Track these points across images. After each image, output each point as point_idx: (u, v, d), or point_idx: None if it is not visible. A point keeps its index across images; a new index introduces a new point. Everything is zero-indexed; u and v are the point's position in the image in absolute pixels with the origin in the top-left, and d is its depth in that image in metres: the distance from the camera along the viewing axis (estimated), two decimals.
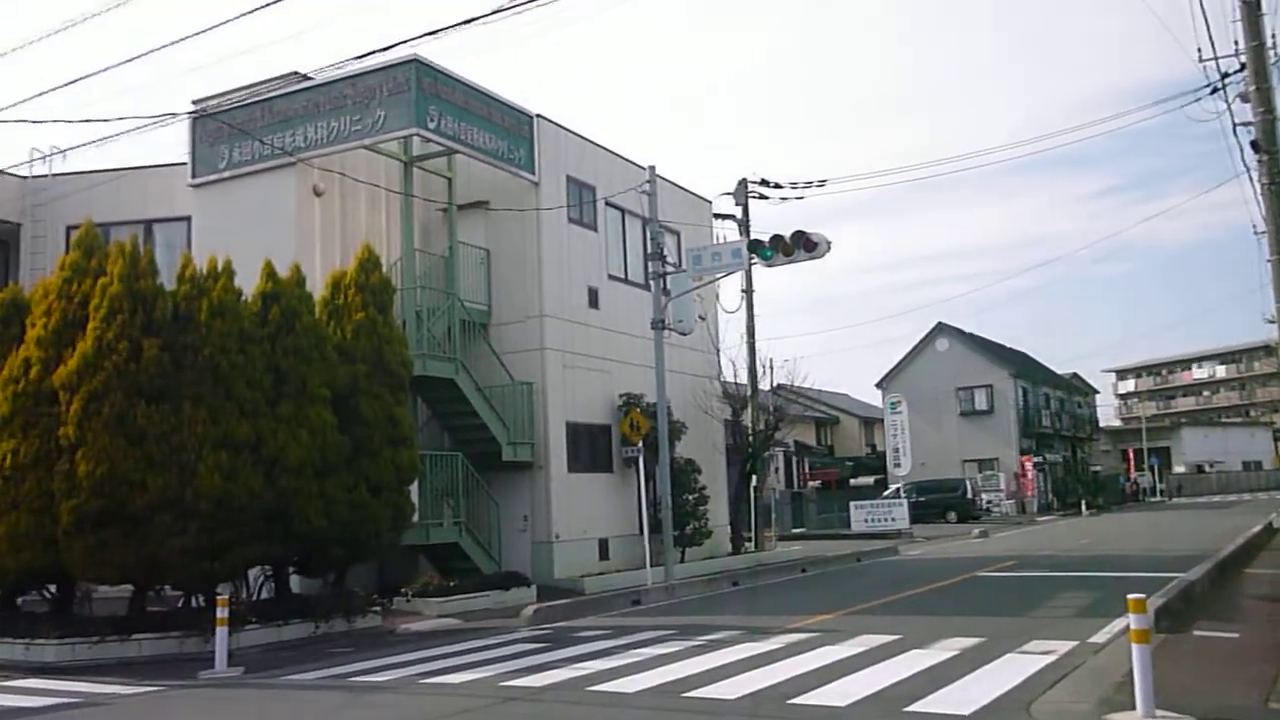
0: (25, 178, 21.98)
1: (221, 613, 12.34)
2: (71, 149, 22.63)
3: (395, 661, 12.24)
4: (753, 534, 28.38)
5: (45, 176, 21.91)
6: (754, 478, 28.23)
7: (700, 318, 24.32)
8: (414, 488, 16.95)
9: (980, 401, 57.74)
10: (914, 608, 15.62)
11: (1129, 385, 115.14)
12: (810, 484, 53.17)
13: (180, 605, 15.03)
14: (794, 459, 52.81)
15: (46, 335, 14.17)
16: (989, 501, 50.73)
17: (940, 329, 60.14)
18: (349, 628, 15.31)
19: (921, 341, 60.29)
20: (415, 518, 17.13)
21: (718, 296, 27.81)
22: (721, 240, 26.16)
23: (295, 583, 16.34)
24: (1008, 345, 65.26)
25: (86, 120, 13.71)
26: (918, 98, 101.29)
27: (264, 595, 15.98)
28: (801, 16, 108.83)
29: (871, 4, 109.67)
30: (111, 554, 13.38)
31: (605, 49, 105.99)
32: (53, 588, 15.05)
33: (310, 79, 18.56)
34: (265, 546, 14.52)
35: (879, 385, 59.26)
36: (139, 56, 12.32)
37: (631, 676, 10.25)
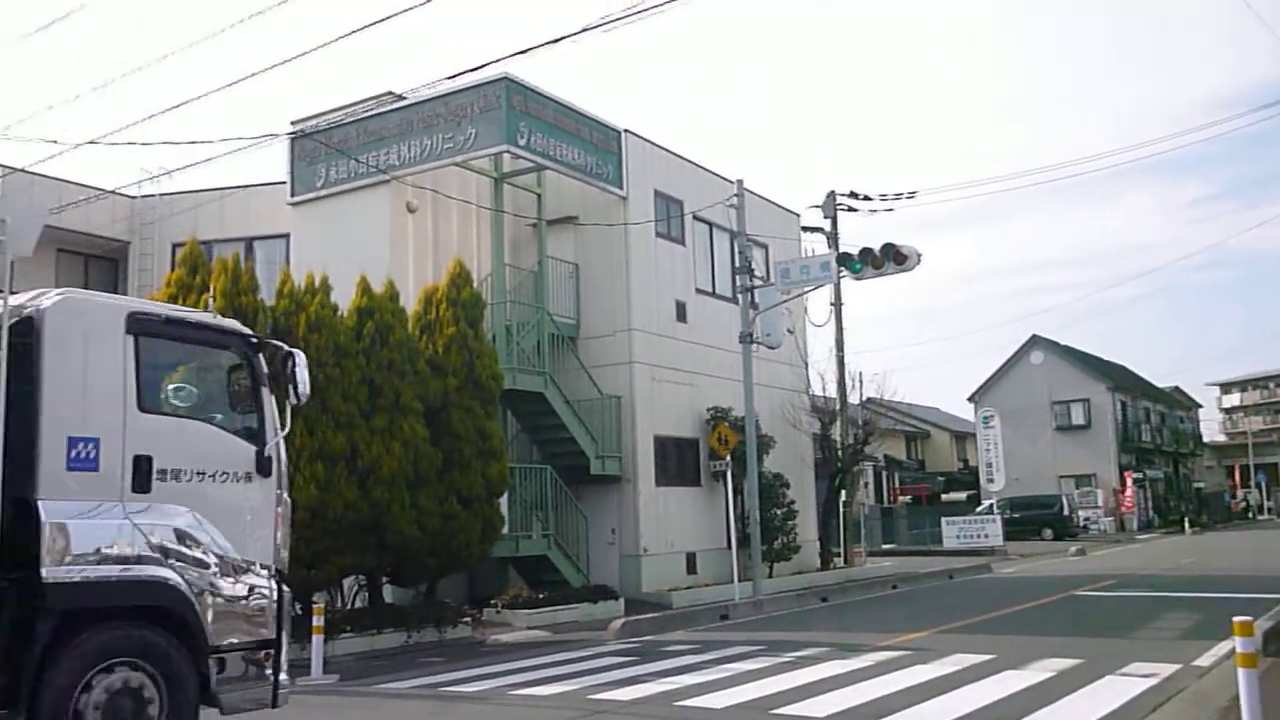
0: (134, 197, 22.82)
1: (318, 620, 12.62)
2: (178, 170, 23.43)
3: (486, 672, 12.38)
4: (842, 549, 28.09)
5: (153, 196, 22.72)
6: (843, 492, 27.94)
7: (788, 331, 24.18)
8: (504, 500, 17.15)
9: (1077, 416, 56.36)
10: (1008, 627, 15.29)
11: (1234, 399, 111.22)
12: (900, 499, 52.43)
13: None
14: (884, 473, 52.15)
15: None
16: (1086, 519, 49.42)
17: (1035, 341, 58.89)
18: (440, 638, 15.52)
19: (1016, 354, 59.10)
20: (505, 530, 17.33)
21: (806, 310, 27.64)
22: (810, 253, 25.98)
23: (388, 592, 16.63)
24: (1105, 358, 63.61)
25: (192, 142, 14.31)
26: (1009, 105, 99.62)
27: (358, 604, 16.29)
28: (890, 23, 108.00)
29: (957, 10, 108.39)
30: None
31: (691, 62, 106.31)
32: None
33: (404, 98, 18.94)
34: (359, 556, 14.81)
35: (971, 399, 58.22)
36: (241, 80, 12.70)
37: (720, 692, 10.22)
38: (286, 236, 21.22)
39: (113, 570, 6.62)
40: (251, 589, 7.43)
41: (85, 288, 23.18)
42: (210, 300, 9.68)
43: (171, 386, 7.51)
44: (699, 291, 23.13)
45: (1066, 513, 46.43)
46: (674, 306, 22.24)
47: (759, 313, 20.93)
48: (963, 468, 60.96)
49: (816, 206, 30.75)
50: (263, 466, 7.68)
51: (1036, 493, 49.04)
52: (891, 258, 18.48)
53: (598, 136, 20.76)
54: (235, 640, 7.22)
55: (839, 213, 30.88)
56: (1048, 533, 44.13)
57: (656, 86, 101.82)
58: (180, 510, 7.05)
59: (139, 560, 6.74)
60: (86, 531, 6.56)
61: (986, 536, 35.95)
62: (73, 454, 6.62)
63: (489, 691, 10.99)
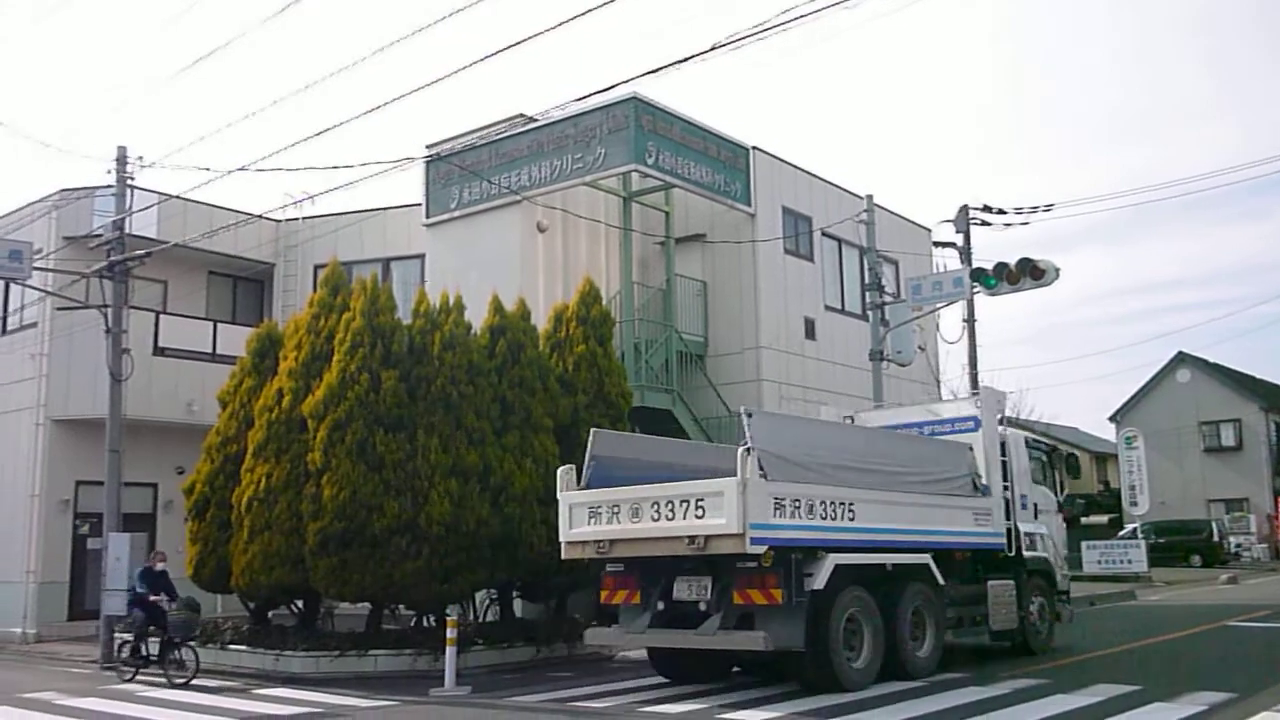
0: (279, 221, 23.76)
1: (451, 633, 12.87)
2: (320, 194, 24.27)
3: (614, 688, 12.44)
4: None
5: (296, 220, 23.63)
6: None
7: (920, 348, 23.70)
8: None
9: (1227, 437, 53.72)
10: (1155, 656, 14.64)
11: None
12: None
13: (413, 624, 15.79)
14: None
15: (297, 367, 15.24)
16: (1238, 545, 47.01)
17: (1181, 359, 56.43)
18: (569, 653, 15.65)
19: (1160, 372, 56.71)
20: None
21: (938, 326, 27.02)
22: (942, 269, 25.46)
23: (518, 607, 16.87)
24: (1258, 376, 60.56)
25: (334, 166, 14.83)
26: (1151, 116, 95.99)
27: (489, 618, 16.56)
28: (1017, 32, 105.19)
29: (1089, 21, 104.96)
30: (352, 573, 14.20)
31: (816, 76, 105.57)
32: (299, 603, 16.07)
33: (535, 120, 19.29)
34: (491, 571, 15.06)
35: (1113, 419, 56.08)
36: (380, 106, 13.10)
37: (859, 714, 10.04)
38: (421, 257, 21.81)
39: (1036, 553, 15.02)
40: (1060, 567, 16.07)
41: (233, 308, 24.35)
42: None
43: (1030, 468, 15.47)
44: (828, 308, 22.90)
45: (1216, 539, 44.27)
46: (803, 324, 22.06)
47: (889, 330, 20.61)
48: (1104, 490, 58.67)
49: (948, 221, 30.02)
50: (1060, 509, 16.45)
51: (1184, 517, 46.93)
52: (1028, 273, 17.98)
53: (725, 154, 20.77)
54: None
55: (971, 227, 30.16)
56: (1196, 559, 42.14)
57: (783, 102, 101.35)
58: (1041, 526, 15.38)
59: (1032, 545, 14.91)
60: (1032, 534, 14.98)
61: (1130, 562, 34.49)
62: (1022, 501, 14.76)
63: (618, 708, 11.03)
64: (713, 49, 11.35)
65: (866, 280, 21.08)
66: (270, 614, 16.40)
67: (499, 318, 16.23)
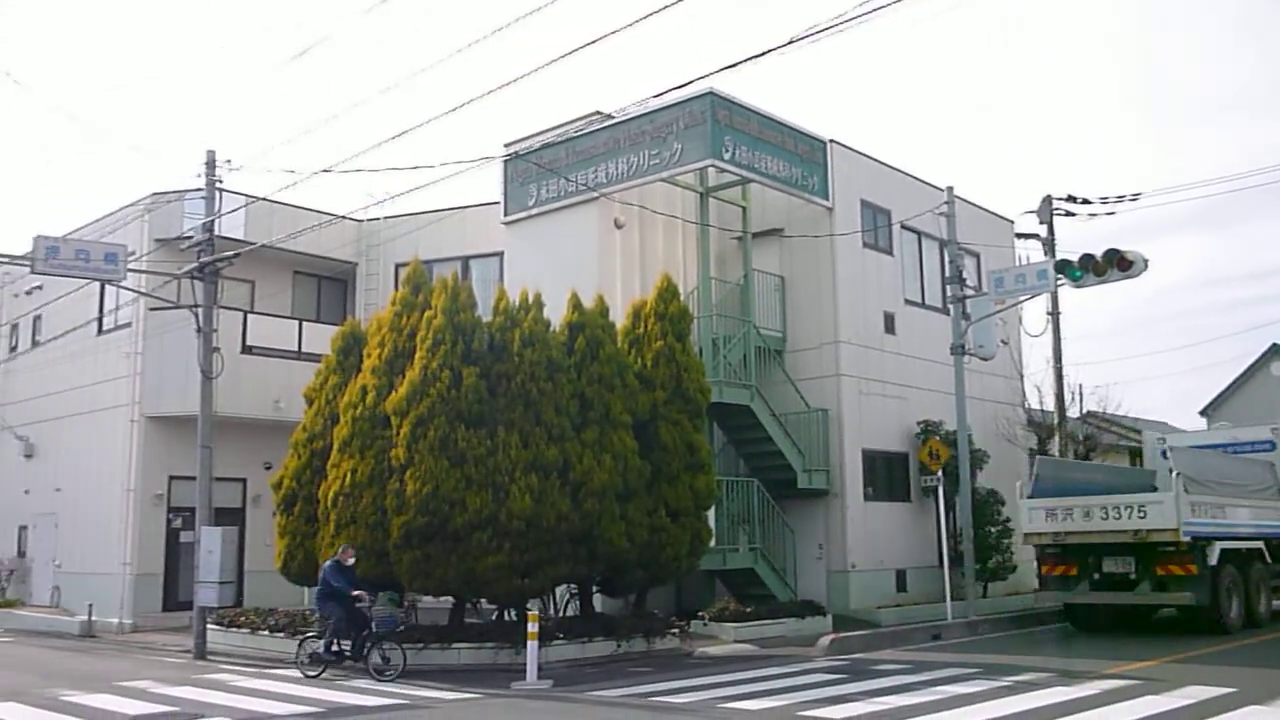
0: (361, 221, 24.18)
1: (532, 628, 13.01)
2: (401, 194, 24.66)
3: (694, 684, 12.45)
4: None
5: (377, 220, 24.03)
6: None
7: (1002, 342, 23.32)
8: (711, 513, 17.21)
9: None
10: (1250, 658, 14.24)
11: None
12: None
13: (494, 618, 15.98)
14: None
15: (380, 364, 15.51)
16: None
17: (1276, 350, 54.70)
18: (648, 648, 15.70)
19: (1254, 365, 54.99)
20: (712, 543, 17.37)
21: (1020, 320, 26.59)
22: (1025, 261, 25.01)
23: (598, 602, 16.98)
24: None
25: (414, 167, 15.06)
26: (1248, 97, 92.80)
27: (569, 613, 16.68)
28: (1104, 20, 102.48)
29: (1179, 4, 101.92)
30: (434, 567, 14.41)
31: (895, 66, 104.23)
32: None
33: (611, 117, 19.33)
34: (571, 566, 15.17)
35: (1204, 413, 54.51)
36: (460, 107, 13.26)
37: (933, 715, 9.95)
38: (500, 254, 22.03)
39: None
40: None
41: (318, 307, 24.85)
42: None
43: None
44: (908, 302, 22.63)
45: None
46: (882, 318, 21.83)
47: (971, 323, 20.31)
48: None
49: (1031, 212, 29.48)
50: None
51: None
52: (1115, 264, 17.59)
53: (803, 148, 20.63)
54: None
55: (1055, 218, 29.55)
56: None
57: (861, 94, 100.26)
58: None
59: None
60: None
61: None
62: None
63: (698, 704, 11.04)
64: (791, 42, 11.28)
65: (947, 273, 20.81)
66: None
67: (577, 314, 16.33)
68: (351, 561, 14.31)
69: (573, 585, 16.56)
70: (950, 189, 21.03)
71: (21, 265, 16.30)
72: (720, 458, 19.81)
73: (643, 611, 16.57)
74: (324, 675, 13.77)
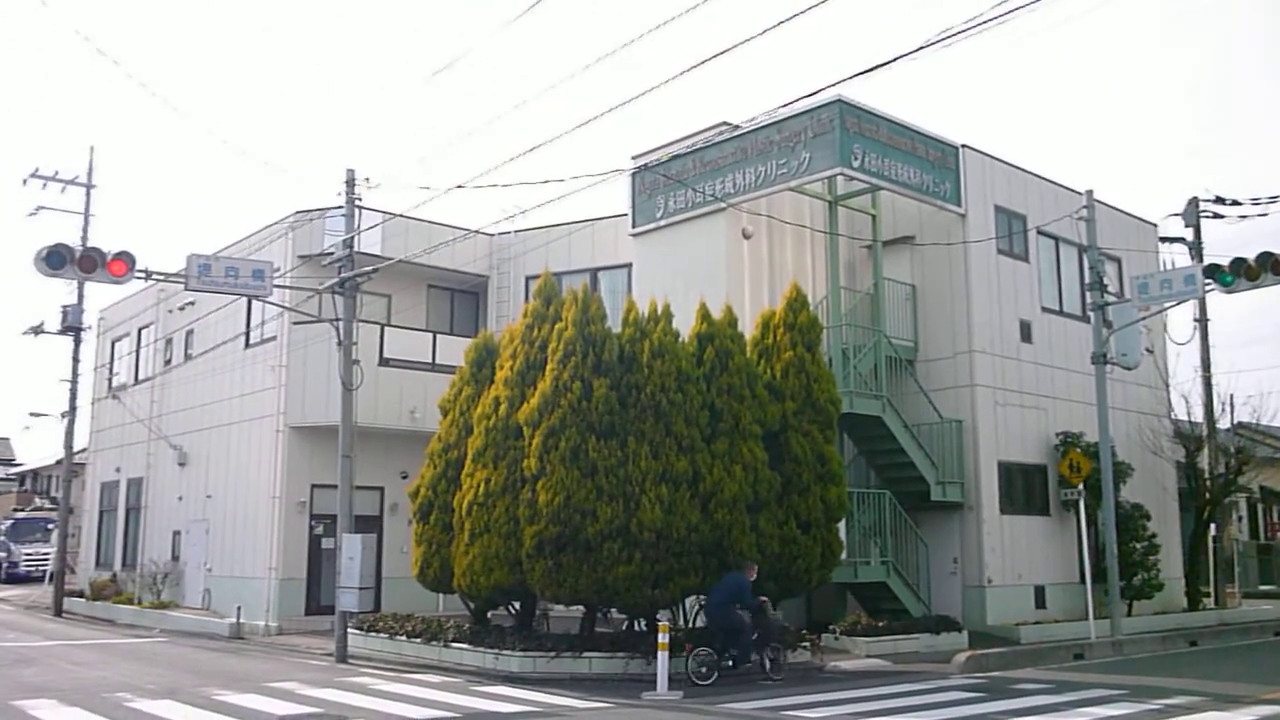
0: (492, 235, 24.67)
1: (663, 638, 13.03)
2: (532, 208, 25.04)
3: (826, 699, 12.31)
4: (1212, 589, 25.61)
5: (508, 233, 24.48)
6: (1212, 526, 25.50)
7: (1147, 350, 22.46)
8: (842, 525, 17.00)
9: None
10: None
11: None
12: None
13: (625, 628, 16.05)
14: (1260, 506, 47.07)
15: (512, 376, 15.77)
16: None
17: None
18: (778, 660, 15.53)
19: None
20: (843, 555, 17.15)
21: (1165, 327, 25.56)
22: (1169, 266, 24.04)
23: None
24: None
25: (545, 181, 15.27)
26: None
27: (698, 624, 16.65)
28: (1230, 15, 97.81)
29: None
30: (566, 576, 14.57)
31: (1029, 69, 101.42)
32: (516, 605, 16.61)
33: (738, 127, 19.31)
34: (701, 577, 15.14)
35: None
36: (588, 122, 13.41)
37: None
38: (628, 266, 22.19)
39: None
40: None
41: (451, 319, 25.44)
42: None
43: None
44: (1045, 310, 21.97)
45: None
46: (1018, 326, 21.25)
47: (1113, 331, 19.63)
48: None
49: (1176, 215, 28.33)
50: None
51: None
52: (1269, 268, 16.73)
53: (934, 153, 20.25)
54: None
55: (1202, 220, 28.32)
56: None
57: (994, 97, 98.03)
58: None
59: None
60: None
61: None
62: None
63: (830, 718, 10.90)
64: (923, 47, 11.08)
65: (1087, 280, 20.15)
66: (489, 614, 17.00)
67: (706, 325, 16.33)
68: (754, 577, 14.90)
69: (702, 596, 16.53)
70: (1090, 192, 20.39)
71: (176, 282, 17.07)
72: (851, 469, 19.55)
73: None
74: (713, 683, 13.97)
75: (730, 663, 14.19)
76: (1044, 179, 22.55)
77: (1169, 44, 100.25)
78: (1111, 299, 20.10)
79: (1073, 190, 21.98)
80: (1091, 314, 20.00)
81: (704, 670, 14.01)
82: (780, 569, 15.65)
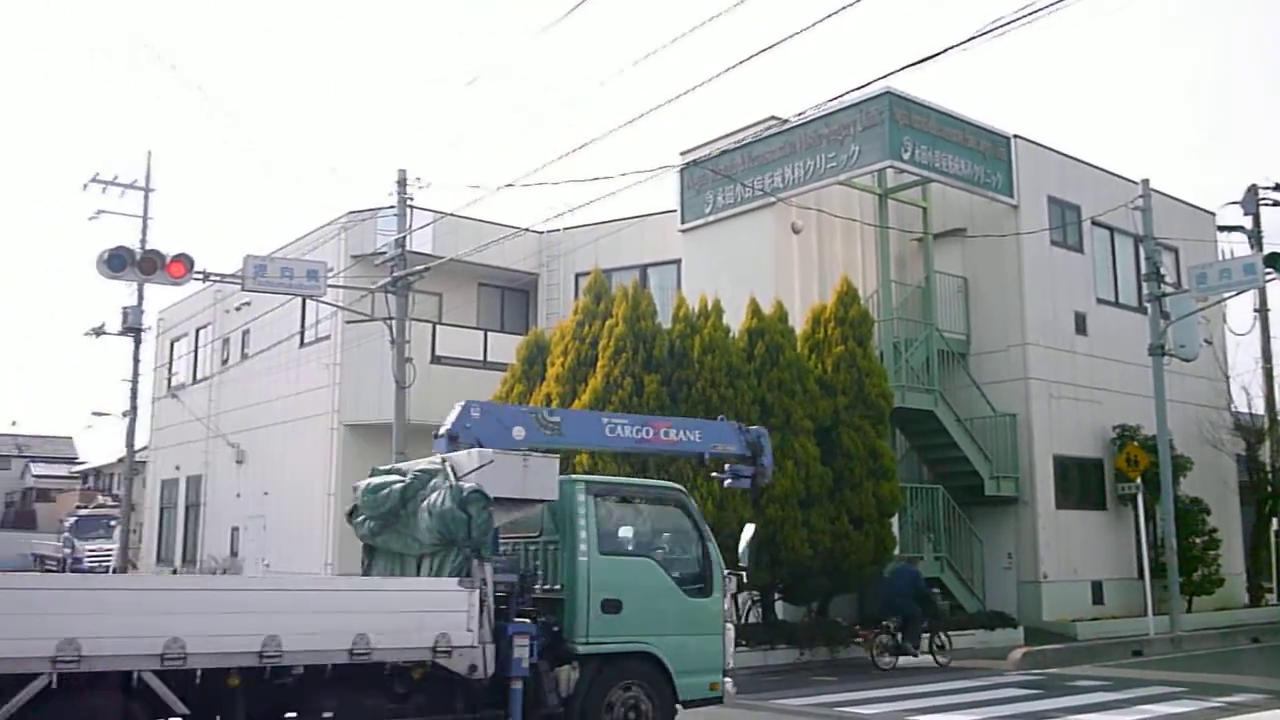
0: (541, 233, 24.77)
1: None
2: (581, 205, 25.09)
3: (879, 695, 12.26)
4: (1274, 584, 25.13)
5: (558, 231, 24.56)
6: (1274, 520, 25.01)
7: (1206, 342, 22.09)
8: (894, 520, 16.91)
9: None
10: None
11: None
12: None
13: None
14: None
15: (564, 372, 15.86)
16: None
17: None
18: (831, 657, 15.55)
19: None
20: (896, 550, 17.06)
21: (1225, 318, 25.11)
22: (1229, 255, 23.59)
23: (780, 609, 16.87)
24: None
25: (594, 178, 15.43)
26: None
27: (751, 620, 16.64)
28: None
29: None
30: None
31: (1082, 55, 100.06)
32: None
33: (786, 122, 19.25)
34: (753, 573, 15.10)
35: None
36: (637, 119, 13.44)
37: None
38: (677, 262, 22.19)
39: None
40: None
41: (501, 317, 25.57)
42: None
43: None
44: (1100, 301, 21.68)
45: None
46: (1072, 318, 20.98)
47: (1170, 322, 19.33)
48: None
49: (1234, 203, 27.81)
50: None
51: None
52: None
53: (985, 144, 20.05)
54: None
55: (1261, 208, 27.75)
56: None
57: (1045, 85, 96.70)
58: None
59: None
60: None
61: None
62: None
63: (885, 715, 10.88)
64: (974, 37, 10.96)
65: (1144, 270, 19.85)
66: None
67: (756, 320, 16.31)
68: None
69: (755, 592, 16.52)
70: (1145, 181, 20.07)
71: (232, 283, 17.34)
72: (903, 464, 19.41)
73: (826, 620, 16.41)
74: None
75: (908, 647, 15.29)
76: (1098, 168, 22.25)
77: (1169, 44, 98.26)
78: (1169, 289, 19.80)
79: (1128, 179, 21.65)
80: (1148, 305, 19.70)
81: (886, 652, 15.17)
82: (832, 564, 15.61)
